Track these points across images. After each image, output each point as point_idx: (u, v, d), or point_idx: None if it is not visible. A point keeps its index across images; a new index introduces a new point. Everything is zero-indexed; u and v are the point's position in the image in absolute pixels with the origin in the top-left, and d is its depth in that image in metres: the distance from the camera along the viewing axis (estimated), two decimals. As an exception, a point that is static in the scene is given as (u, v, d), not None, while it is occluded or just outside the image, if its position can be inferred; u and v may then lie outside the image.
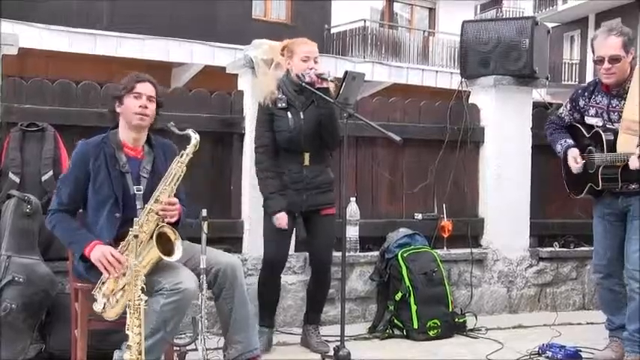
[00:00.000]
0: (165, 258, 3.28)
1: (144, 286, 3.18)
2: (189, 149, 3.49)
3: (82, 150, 3.51)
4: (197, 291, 3.37)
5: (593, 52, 4.07)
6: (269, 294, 4.33)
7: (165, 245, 3.32)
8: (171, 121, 3.65)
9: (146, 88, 3.55)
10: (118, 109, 3.55)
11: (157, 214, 3.35)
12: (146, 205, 3.38)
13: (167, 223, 3.38)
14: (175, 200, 3.42)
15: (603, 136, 3.99)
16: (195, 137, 3.51)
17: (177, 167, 3.44)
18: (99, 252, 3.30)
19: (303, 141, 4.17)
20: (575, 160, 4.15)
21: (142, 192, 3.48)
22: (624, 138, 3.90)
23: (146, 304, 3.16)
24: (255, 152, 4.28)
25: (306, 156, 4.19)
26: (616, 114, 4.00)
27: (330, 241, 4.37)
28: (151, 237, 3.31)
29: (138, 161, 3.55)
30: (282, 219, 4.14)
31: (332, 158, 4.40)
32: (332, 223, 4.34)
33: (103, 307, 3.30)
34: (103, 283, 3.32)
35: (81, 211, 3.55)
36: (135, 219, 3.24)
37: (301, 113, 4.19)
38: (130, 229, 3.19)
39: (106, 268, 3.28)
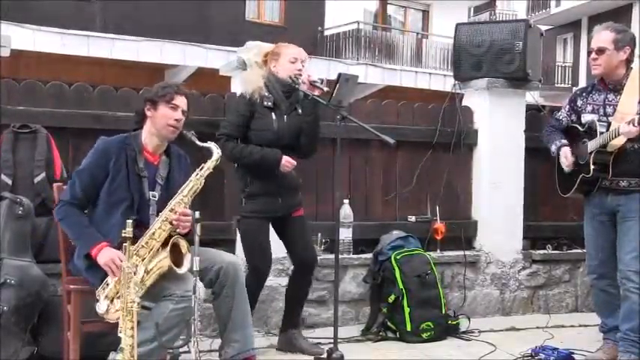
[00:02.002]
0: (176, 269, 3.30)
1: (138, 289, 3.18)
2: (210, 163, 3.53)
3: (104, 147, 3.52)
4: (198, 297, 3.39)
5: None
6: (251, 300, 4.07)
7: (175, 255, 3.33)
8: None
9: (183, 102, 3.58)
10: (148, 113, 3.56)
11: (170, 223, 3.38)
12: (161, 213, 3.41)
13: (178, 234, 3.41)
14: (190, 212, 3.43)
15: (597, 126, 4.05)
16: (217, 152, 3.56)
17: (196, 180, 3.48)
18: (107, 256, 3.30)
19: (283, 145, 4.12)
20: (566, 157, 4.22)
21: (156, 198, 3.51)
22: (615, 126, 3.95)
23: (139, 307, 3.15)
24: (218, 139, 4.06)
25: None
26: (611, 107, 4.09)
27: (310, 239, 4.39)
28: (163, 246, 3.33)
29: (154, 167, 3.58)
30: (287, 160, 4.04)
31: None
32: (305, 222, 4.34)
33: (106, 310, 3.29)
34: (108, 284, 3.32)
35: (86, 211, 3.54)
36: (128, 221, 3.19)
37: (285, 117, 4.16)
38: (123, 231, 3.16)
39: (112, 272, 3.28)
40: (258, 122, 4.12)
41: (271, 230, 4.29)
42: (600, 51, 4.06)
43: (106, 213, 3.46)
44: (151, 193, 3.52)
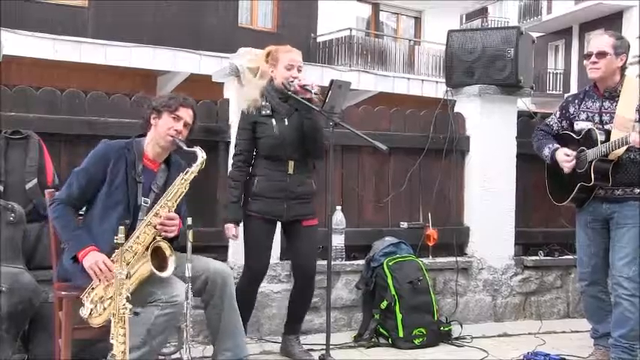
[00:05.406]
0: (158, 273, 3.29)
1: (129, 295, 3.17)
2: (195, 167, 3.54)
3: (104, 150, 3.57)
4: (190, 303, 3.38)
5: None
6: (245, 303, 4.14)
7: (159, 260, 3.33)
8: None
9: (186, 115, 3.64)
10: (152, 121, 3.62)
11: (154, 227, 3.39)
12: (145, 218, 3.42)
13: (165, 238, 3.40)
14: (175, 216, 3.46)
15: (597, 134, 4.03)
16: (202, 156, 3.55)
17: (181, 184, 3.50)
18: (92, 259, 3.32)
19: (288, 148, 4.13)
20: (566, 155, 4.17)
21: (148, 205, 3.53)
22: (617, 134, 3.94)
23: (132, 313, 3.14)
24: (235, 156, 4.25)
25: (291, 164, 4.15)
26: (608, 115, 4.08)
27: (313, 250, 4.32)
28: (147, 250, 3.33)
29: (152, 174, 3.62)
30: (230, 230, 4.13)
31: (315, 170, 4.35)
32: (314, 233, 4.30)
33: (90, 313, 3.30)
34: (93, 289, 3.33)
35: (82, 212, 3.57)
36: (120, 227, 3.20)
37: (286, 120, 4.16)
38: (115, 237, 3.16)
39: (96, 275, 3.29)
40: (261, 130, 4.15)
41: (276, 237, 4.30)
42: (601, 54, 4.06)
43: (101, 216, 3.49)
44: (143, 199, 3.55)
